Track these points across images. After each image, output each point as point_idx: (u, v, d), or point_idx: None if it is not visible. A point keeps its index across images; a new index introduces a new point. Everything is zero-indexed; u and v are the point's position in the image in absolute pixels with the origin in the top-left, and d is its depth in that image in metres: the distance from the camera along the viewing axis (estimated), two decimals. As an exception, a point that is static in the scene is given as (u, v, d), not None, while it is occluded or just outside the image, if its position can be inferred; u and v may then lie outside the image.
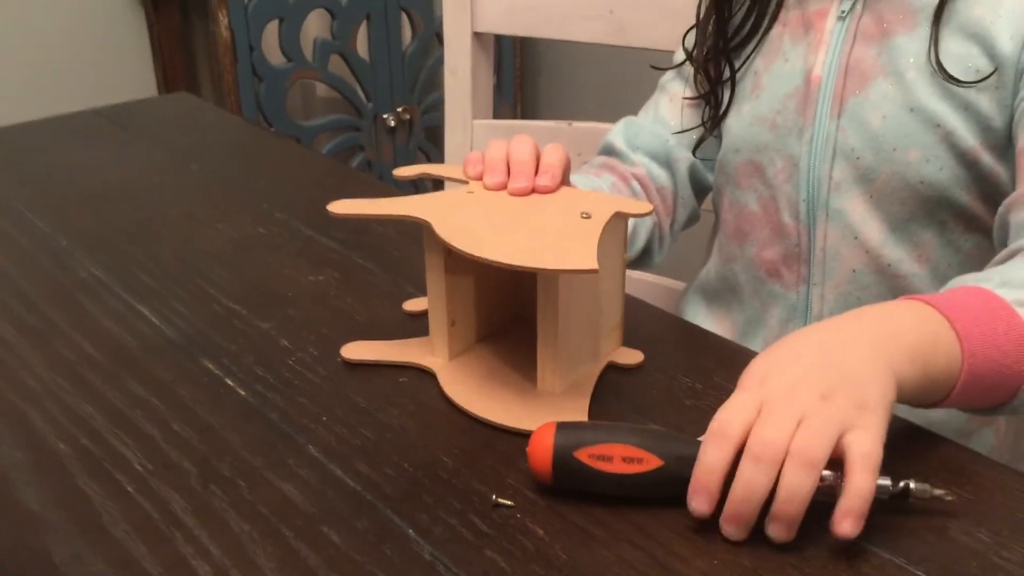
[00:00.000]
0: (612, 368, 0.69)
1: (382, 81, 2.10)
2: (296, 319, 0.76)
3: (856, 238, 0.81)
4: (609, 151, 0.95)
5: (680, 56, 0.93)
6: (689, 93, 0.93)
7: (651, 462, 0.54)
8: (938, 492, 0.53)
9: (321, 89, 2.15)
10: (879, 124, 0.78)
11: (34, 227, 0.93)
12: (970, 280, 0.63)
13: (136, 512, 0.56)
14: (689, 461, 0.53)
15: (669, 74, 0.96)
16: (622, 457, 0.54)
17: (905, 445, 0.59)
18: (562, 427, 0.56)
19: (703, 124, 0.91)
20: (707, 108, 0.91)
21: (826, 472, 0.52)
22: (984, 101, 0.75)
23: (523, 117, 2.34)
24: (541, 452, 0.55)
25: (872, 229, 0.81)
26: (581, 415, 0.63)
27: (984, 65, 0.74)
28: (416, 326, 0.74)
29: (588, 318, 0.67)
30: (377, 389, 0.68)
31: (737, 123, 0.88)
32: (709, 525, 0.54)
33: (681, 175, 0.94)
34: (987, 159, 0.77)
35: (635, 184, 0.91)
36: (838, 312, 0.83)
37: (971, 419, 0.84)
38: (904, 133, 0.77)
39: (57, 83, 2.07)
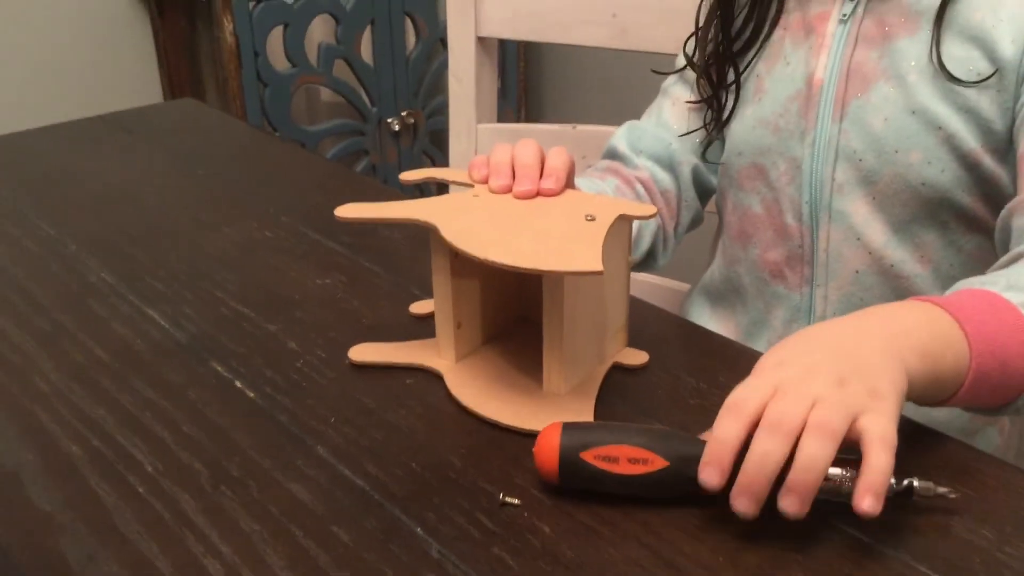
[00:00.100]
0: (617, 369, 0.70)
1: (386, 86, 2.11)
2: (304, 322, 0.77)
3: (859, 239, 0.82)
4: (613, 155, 0.95)
5: (682, 61, 0.94)
6: (692, 97, 0.93)
7: (656, 463, 0.54)
8: (942, 490, 0.54)
9: (325, 94, 2.16)
10: (881, 127, 0.79)
11: (43, 232, 0.94)
12: (976, 283, 0.64)
13: (148, 513, 0.57)
14: (694, 461, 0.53)
15: (672, 78, 0.96)
16: (628, 458, 0.54)
17: (910, 443, 0.60)
18: (568, 428, 0.56)
19: (706, 128, 0.92)
20: (709, 112, 0.91)
21: (834, 471, 0.52)
22: (985, 104, 0.76)
23: (527, 121, 2.35)
24: (547, 453, 0.56)
25: (874, 230, 0.81)
26: (587, 416, 0.64)
27: (985, 68, 0.75)
28: (422, 328, 0.75)
29: (593, 319, 0.68)
30: (385, 391, 0.68)
31: (740, 126, 0.88)
32: (715, 523, 0.54)
33: (684, 178, 0.94)
34: (988, 161, 0.77)
35: (639, 187, 0.92)
36: (841, 313, 0.84)
37: (975, 418, 0.85)
38: (906, 135, 0.78)
39: (63, 90, 2.08)
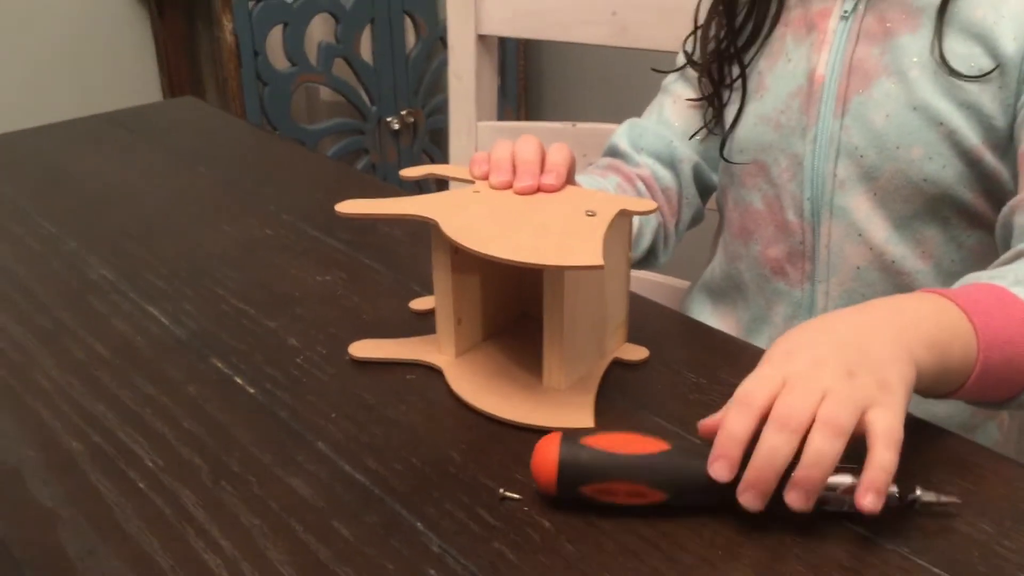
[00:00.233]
0: (617, 364, 0.70)
1: (386, 85, 2.11)
2: (304, 318, 0.77)
3: (860, 235, 0.82)
4: (614, 152, 0.95)
5: (683, 59, 0.94)
6: (692, 95, 0.93)
7: (655, 496, 0.54)
8: (945, 499, 0.53)
9: (325, 93, 2.16)
10: (882, 123, 0.79)
11: (43, 230, 0.94)
12: (984, 277, 0.64)
13: (148, 508, 0.57)
14: (693, 493, 0.54)
15: (672, 76, 0.96)
16: (626, 492, 0.54)
17: (910, 438, 0.59)
18: (565, 448, 0.55)
19: (707, 126, 0.92)
20: (710, 109, 0.91)
21: (836, 479, 0.52)
22: (986, 100, 0.76)
23: (527, 119, 2.35)
24: (545, 477, 0.55)
25: (876, 226, 0.81)
26: (587, 411, 0.64)
27: (986, 65, 0.75)
28: (423, 324, 0.75)
29: (594, 315, 0.68)
30: (385, 386, 0.68)
31: (741, 123, 0.88)
32: (713, 516, 0.54)
33: (685, 175, 0.94)
34: (989, 157, 0.77)
35: (640, 185, 0.92)
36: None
37: (975, 414, 0.85)
38: (907, 131, 0.78)
39: (64, 89, 2.08)
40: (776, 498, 0.52)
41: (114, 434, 0.64)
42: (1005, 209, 0.74)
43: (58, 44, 2.07)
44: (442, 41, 2.13)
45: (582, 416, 0.63)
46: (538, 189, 0.69)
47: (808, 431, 0.51)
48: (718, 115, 0.91)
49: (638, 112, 0.98)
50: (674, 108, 0.95)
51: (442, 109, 2.20)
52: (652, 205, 0.68)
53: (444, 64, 2.01)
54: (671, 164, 0.94)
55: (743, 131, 0.88)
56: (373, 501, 0.57)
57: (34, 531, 0.56)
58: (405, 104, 2.16)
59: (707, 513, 0.54)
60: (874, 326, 0.57)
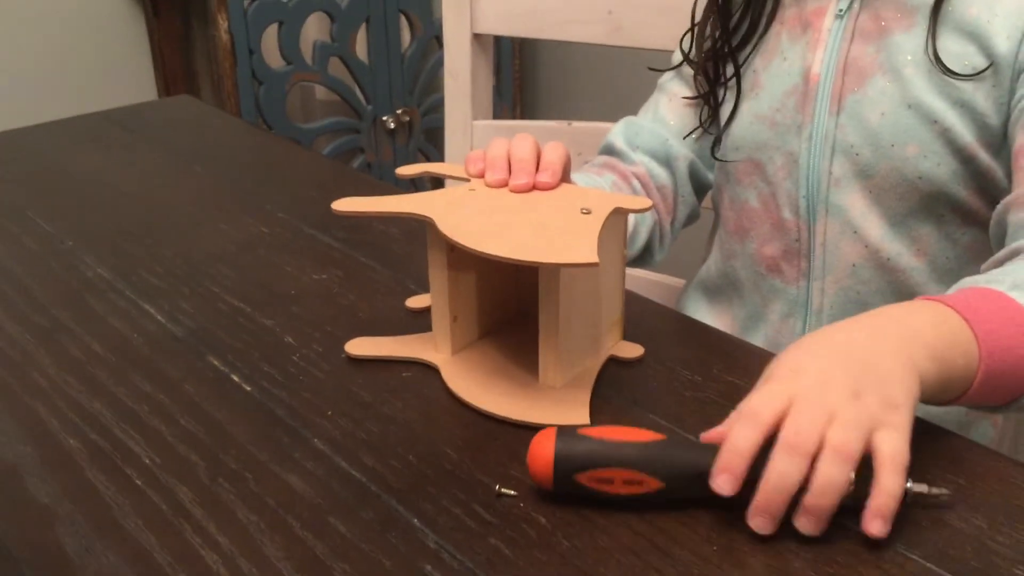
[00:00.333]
0: (613, 362, 0.70)
1: (381, 83, 2.11)
2: (300, 316, 0.77)
3: (855, 233, 0.82)
4: (609, 151, 0.96)
5: (679, 57, 0.94)
6: (688, 93, 0.94)
7: (651, 484, 0.54)
8: (935, 491, 0.54)
9: (320, 92, 2.16)
10: (877, 121, 0.79)
11: (40, 229, 0.94)
12: (981, 281, 0.64)
13: (146, 505, 0.57)
14: (689, 482, 0.54)
15: (668, 74, 0.97)
16: (623, 480, 0.54)
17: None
18: (562, 440, 0.55)
19: (702, 124, 0.92)
20: (706, 108, 0.92)
21: None
22: (980, 99, 0.76)
23: (523, 118, 2.35)
24: (542, 468, 0.55)
25: (871, 224, 0.82)
26: (582, 408, 0.64)
27: (980, 64, 0.75)
28: (419, 322, 0.75)
29: (589, 312, 0.68)
30: (381, 384, 0.68)
31: (736, 122, 0.89)
32: (709, 512, 0.54)
33: (681, 173, 0.95)
34: (984, 155, 0.77)
35: (636, 183, 0.92)
36: (838, 306, 0.84)
37: (970, 412, 0.85)
38: (902, 129, 0.78)
39: (59, 87, 2.08)
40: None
41: (111, 432, 0.64)
42: (999, 207, 0.74)
43: (53, 42, 2.07)
44: (437, 40, 2.13)
45: (578, 413, 0.64)
46: (533, 187, 0.70)
47: (816, 454, 0.51)
48: (714, 113, 0.91)
49: (634, 111, 0.98)
50: (670, 106, 0.95)
51: (438, 108, 2.20)
52: (647, 203, 0.68)
53: (440, 63, 2.02)
54: (667, 162, 0.94)
55: (739, 129, 0.88)
56: (370, 497, 0.57)
57: (32, 528, 0.56)
58: (401, 103, 2.16)
59: (703, 509, 0.55)
60: (879, 339, 0.57)
